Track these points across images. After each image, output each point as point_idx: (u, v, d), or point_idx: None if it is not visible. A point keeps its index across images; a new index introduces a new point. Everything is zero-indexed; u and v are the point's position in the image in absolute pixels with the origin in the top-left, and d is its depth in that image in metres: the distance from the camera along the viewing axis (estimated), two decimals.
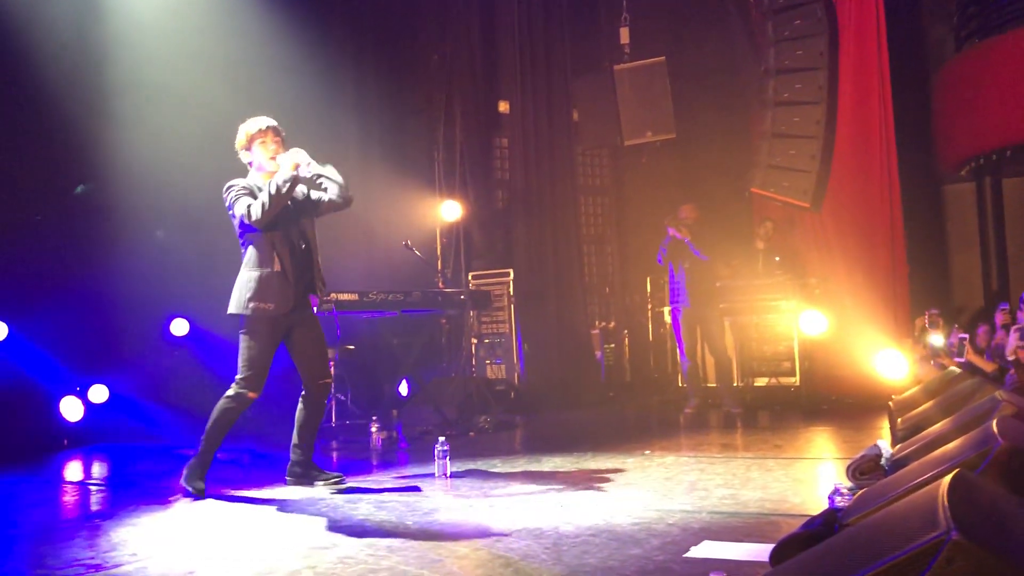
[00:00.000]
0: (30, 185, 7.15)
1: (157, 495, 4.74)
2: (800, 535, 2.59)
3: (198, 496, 4.53)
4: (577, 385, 9.26)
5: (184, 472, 4.65)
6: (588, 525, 3.58)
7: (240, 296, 4.61)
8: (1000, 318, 7.37)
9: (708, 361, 8.19)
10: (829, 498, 3.20)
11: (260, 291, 4.56)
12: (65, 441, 7.07)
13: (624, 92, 9.24)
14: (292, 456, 4.88)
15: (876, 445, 4.03)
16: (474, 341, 9.13)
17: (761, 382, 8.36)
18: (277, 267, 4.58)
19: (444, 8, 9.90)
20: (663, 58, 9.08)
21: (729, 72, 9.95)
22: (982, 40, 9.17)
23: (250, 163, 4.77)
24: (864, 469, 3.87)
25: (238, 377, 4.61)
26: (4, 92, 7.00)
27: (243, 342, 4.63)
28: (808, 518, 3.06)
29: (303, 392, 4.83)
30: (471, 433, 6.92)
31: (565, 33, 9.65)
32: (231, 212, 4.62)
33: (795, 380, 8.25)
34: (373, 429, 6.36)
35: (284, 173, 4.52)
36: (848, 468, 3.96)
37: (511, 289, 9.23)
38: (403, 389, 8.19)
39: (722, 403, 7.92)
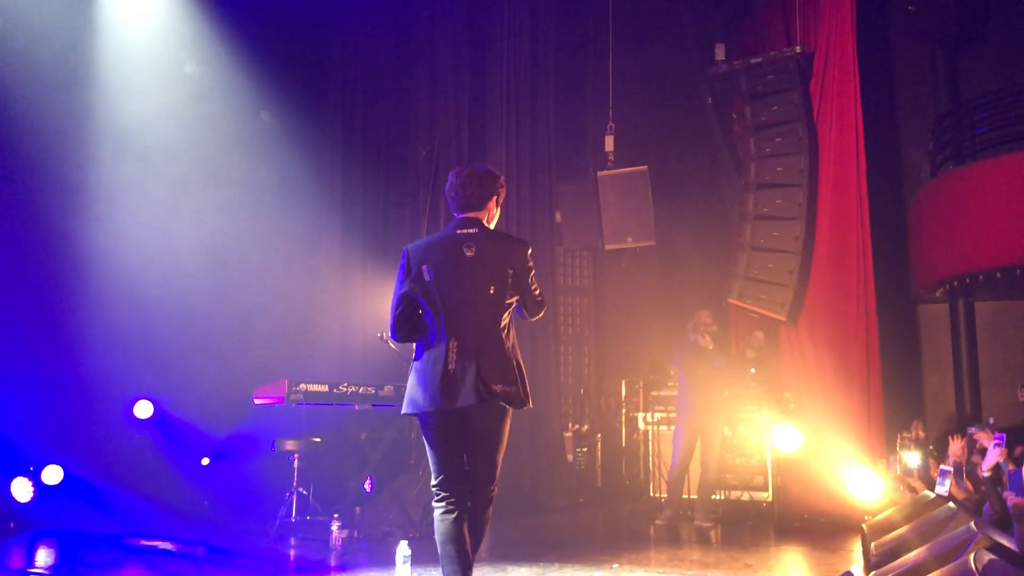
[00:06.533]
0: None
1: None
2: None
3: None
4: (548, 488, 9.04)
5: None
6: None
7: None
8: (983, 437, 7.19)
9: (694, 472, 7.95)
10: None
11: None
12: (12, 524, 6.79)
13: (607, 198, 9.34)
14: None
15: (849, 572, 3.93)
16: None
17: (735, 496, 8.22)
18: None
19: (434, 104, 10.06)
20: (646, 167, 9.22)
21: (710, 184, 10.11)
22: (956, 167, 9.40)
23: (487, 220, 4.06)
24: None
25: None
26: None
27: None
28: None
29: None
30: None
31: (551, 136, 9.80)
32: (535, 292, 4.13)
33: (768, 496, 8.14)
34: (334, 527, 6.16)
35: None
36: None
37: None
38: (368, 486, 7.97)
39: (695, 515, 7.75)
